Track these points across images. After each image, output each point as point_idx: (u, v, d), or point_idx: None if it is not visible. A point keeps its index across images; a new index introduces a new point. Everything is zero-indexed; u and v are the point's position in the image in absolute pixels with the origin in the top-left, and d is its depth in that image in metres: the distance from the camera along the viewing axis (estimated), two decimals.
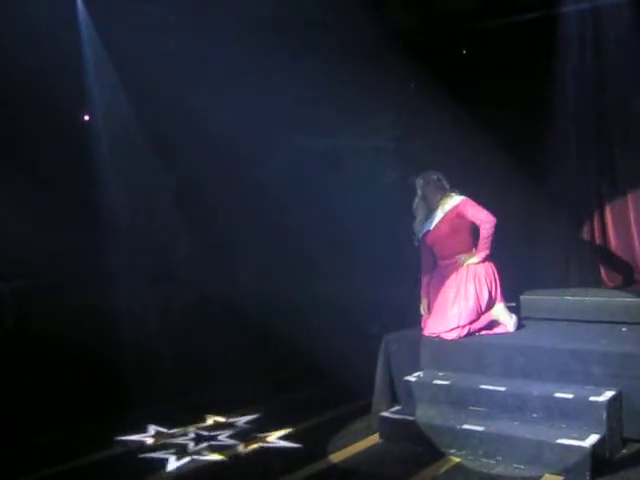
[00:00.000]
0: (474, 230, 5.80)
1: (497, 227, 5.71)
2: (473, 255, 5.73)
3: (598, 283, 6.86)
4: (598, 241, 6.94)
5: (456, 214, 5.77)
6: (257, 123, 6.97)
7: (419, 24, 7.34)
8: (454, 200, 5.81)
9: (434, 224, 5.86)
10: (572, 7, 6.58)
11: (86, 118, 7.13)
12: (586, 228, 7.00)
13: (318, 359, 6.31)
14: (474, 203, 5.78)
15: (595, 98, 6.74)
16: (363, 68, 6.90)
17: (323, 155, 7.46)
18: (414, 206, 5.97)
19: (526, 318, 6.04)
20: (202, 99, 6.59)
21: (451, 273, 5.75)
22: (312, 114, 7.01)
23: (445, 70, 7.10)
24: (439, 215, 5.84)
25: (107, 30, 6.48)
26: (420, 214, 5.96)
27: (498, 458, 4.58)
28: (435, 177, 5.91)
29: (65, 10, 6.23)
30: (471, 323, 5.59)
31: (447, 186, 5.89)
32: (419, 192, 5.94)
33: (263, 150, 7.20)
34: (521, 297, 6.27)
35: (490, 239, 5.71)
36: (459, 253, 5.77)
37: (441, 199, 5.86)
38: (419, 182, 5.96)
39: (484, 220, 5.71)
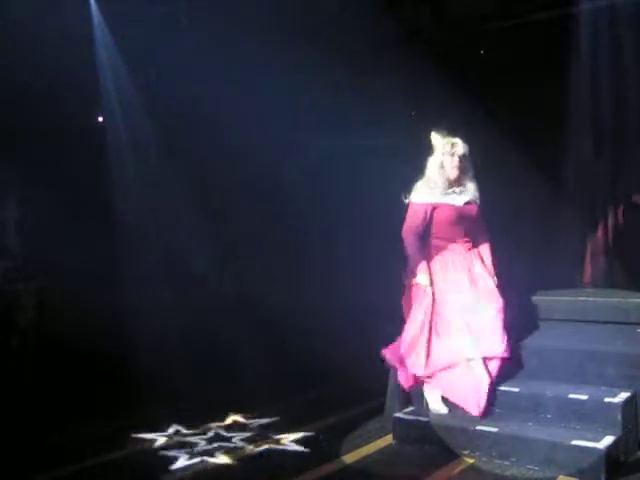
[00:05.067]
0: None
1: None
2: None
3: (612, 283, 6.81)
4: (612, 241, 6.90)
5: (478, 205, 5.32)
6: (272, 124, 6.97)
7: (435, 24, 7.32)
8: (476, 188, 5.32)
9: (463, 202, 5.21)
10: (589, 5, 6.54)
11: (99, 119, 7.19)
12: (600, 228, 6.96)
13: (333, 360, 6.30)
14: None
15: (611, 97, 6.70)
16: (379, 68, 6.90)
17: (338, 156, 7.44)
18: (431, 167, 5.20)
19: (540, 319, 6.00)
20: (217, 100, 6.61)
21: (457, 261, 5.23)
22: (327, 115, 7.01)
23: (461, 69, 7.09)
24: (467, 195, 5.24)
25: (121, 32, 6.52)
26: (438, 181, 5.18)
27: (512, 459, 4.56)
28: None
29: (79, 13, 6.27)
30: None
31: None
32: (450, 160, 5.16)
33: (278, 151, 7.21)
34: (535, 297, 6.24)
35: None
36: (472, 241, 5.30)
37: (465, 178, 5.24)
38: (458, 149, 5.17)
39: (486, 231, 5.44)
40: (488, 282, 5.25)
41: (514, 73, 6.98)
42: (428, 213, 5.18)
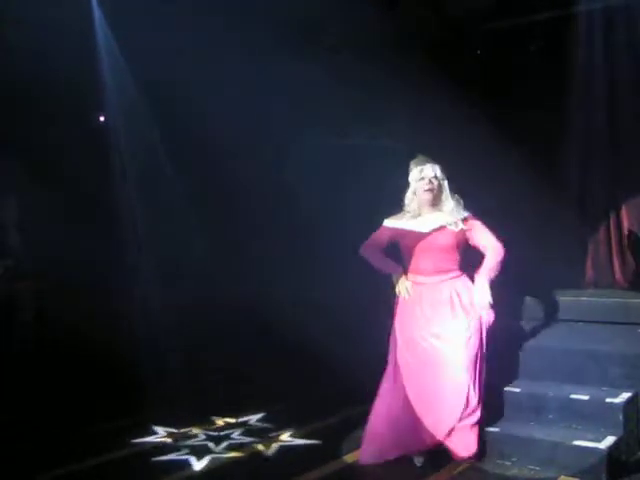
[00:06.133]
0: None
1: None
2: (481, 286, 4.68)
3: (614, 284, 6.81)
4: (614, 242, 6.89)
5: (464, 231, 4.78)
6: (273, 124, 6.96)
7: (434, 24, 7.31)
8: (460, 212, 4.80)
9: (430, 228, 4.75)
10: (588, 6, 6.53)
11: (101, 119, 7.19)
12: (602, 229, 6.95)
13: (336, 358, 6.28)
14: (481, 223, 4.83)
15: (610, 98, 6.69)
16: (378, 68, 6.88)
17: (338, 156, 7.42)
18: (407, 200, 4.86)
19: (541, 319, 6.00)
20: (218, 100, 6.59)
21: (427, 298, 4.74)
22: (328, 115, 7.00)
23: (461, 70, 7.08)
24: (438, 220, 4.76)
25: (122, 31, 6.50)
26: (411, 209, 4.84)
27: (513, 459, 4.57)
28: (443, 174, 4.84)
29: (81, 12, 6.25)
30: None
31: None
32: (420, 184, 4.79)
33: (278, 151, 7.20)
34: (537, 297, 6.23)
35: (497, 269, 4.73)
36: (447, 272, 4.75)
37: (442, 202, 4.81)
38: (427, 172, 4.77)
39: (495, 246, 4.75)
40: (458, 326, 4.65)
41: (515, 75, 6.98)
42: (391, 238, 4.90)
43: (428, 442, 4.58)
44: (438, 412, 4.56)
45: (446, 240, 4.74)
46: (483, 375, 4.63)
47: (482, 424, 4.63)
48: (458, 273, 4.81)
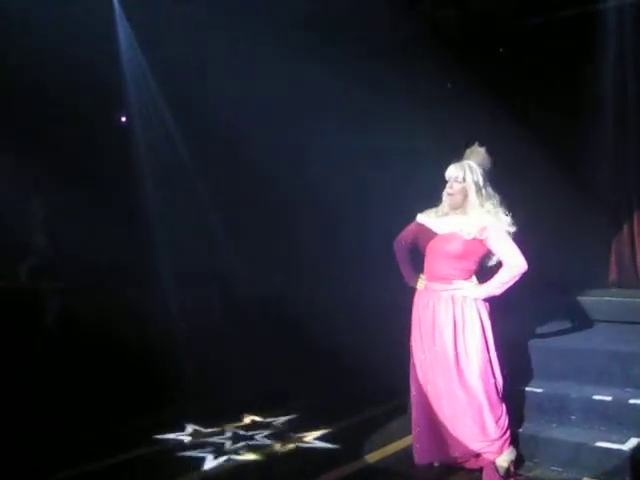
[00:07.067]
0: (485, 260, 4.47)
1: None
2: (477, 286, 4.40)
3: (637, 284, 6.76)
4: (638, 243, 6.86)
5: (480, 240, 4.33)
6: (296, 124, 6.97)
7: (456, 22, 7.29)
8: (483, 220, 4.33)
9: (442, 230, 4.45)
10: (613, 3, 6.47)
11: (123, 119, 7.26)
12: (626, 230, 6.91)
13: (356, 358, 6.29)
14: (506, 236, 4.32)
15: (637, 98, 6.63)
16: (401, 67, 6.87)
17: (363, 155, 7.43)
18: (443, 196, 4.51)
19: (564, 319, 5.97)
20: (241, 100, 6.62)
21: (435, 310, 4.43)
22: (351, 114, 7.00)
23: (483, 69, 7.05)
24: (455, 224, 4.39)
25: (144, 31, 6.56)
26: (443, 208, 4.52)
27: (535, 460, 4.55)
28: (476, 174, 4.38)
29: (102, 12, 6.30)
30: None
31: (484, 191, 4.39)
32: (446, 186, 4.46)
33: (302, 151, 7.21)
34: (559, 298, 6.21)
35: (508, 285, 4.32)
36: (454, 279, 4.39)
37: (469, 206, 4.39)
38: (449, 173, 4.43)
39: (512, 263, 4.28)
40: (460, 340, 4.38)
41: (538, 74, 6.94)
42: (416, 234, 4.61)
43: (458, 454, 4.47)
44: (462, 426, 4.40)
45: (454, 247, 4.36)
46: (500, 381, 4.43)
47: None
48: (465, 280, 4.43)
